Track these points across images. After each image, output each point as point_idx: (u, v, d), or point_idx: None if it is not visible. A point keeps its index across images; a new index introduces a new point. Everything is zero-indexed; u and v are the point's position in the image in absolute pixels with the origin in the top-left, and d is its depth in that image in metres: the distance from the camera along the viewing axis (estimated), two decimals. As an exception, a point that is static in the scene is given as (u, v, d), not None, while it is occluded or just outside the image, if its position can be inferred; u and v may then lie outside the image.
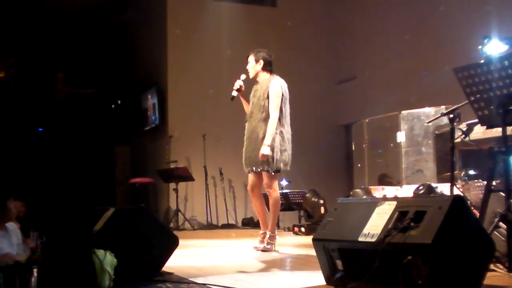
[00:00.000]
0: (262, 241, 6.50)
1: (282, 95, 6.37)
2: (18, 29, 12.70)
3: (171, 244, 4.72)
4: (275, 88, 6.35)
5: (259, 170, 6.38)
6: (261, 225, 6.70)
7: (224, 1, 12.74)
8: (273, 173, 6.33)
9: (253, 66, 6.58)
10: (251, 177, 6.55)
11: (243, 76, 6.59)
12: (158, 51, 12.98)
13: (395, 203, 3.46)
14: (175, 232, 5.12)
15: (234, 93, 6.57)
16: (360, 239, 3.43)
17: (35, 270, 3.46)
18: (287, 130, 6.41)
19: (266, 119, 6.34)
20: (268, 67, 6.56)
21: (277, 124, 6.30)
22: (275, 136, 6.26)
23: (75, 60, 13.26)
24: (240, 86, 6.58)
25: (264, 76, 6.54)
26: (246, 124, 6.58)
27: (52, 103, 12.73)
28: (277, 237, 6.53)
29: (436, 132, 8.49)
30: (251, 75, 6.62)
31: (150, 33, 13.65)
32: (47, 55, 13.00)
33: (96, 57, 13.67)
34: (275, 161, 6.26)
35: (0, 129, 11.95)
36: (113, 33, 14.16)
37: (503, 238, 4.07)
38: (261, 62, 6.53)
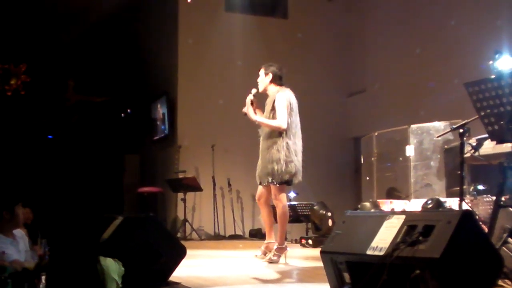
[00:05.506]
0: (264, 252, 6.51)
1: (288, 106, 6.38)
2: (30, 36, 12.77)
3: (179, 254, 4.72)
4: (279, 100, 6.38)
5: (266, 183, 6.40)
6: (266, 234, 6.72)
7: (236, 13, 12.78)
8: (278, 185, 6.33)
9: (262, 79, 6.64)
10: (260, 188, 6.58)
11: (253, 91, 6.59)
12: (169, 61, 13.02)
13: (403, 217, 3.45)
14: (182, 242, 5.12)
15: (246, 109, 6.57)
16: (369, 252, 3.42)
17: (43, 277, 3.47)
18: (294, 142, 6.39)
19: (272, 131, 6.37)
20: (278, 81, 6.58)
21: (283, 135, 6.32)
22: (280, 147, 6.28)
23: (86, 68, 13.31)
24: (251, 101, 6.59)
25: (272, 90, 6.57)
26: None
27: (62, 110, 12.78)
28: (288, 248, 6.53)
29: (446, 146, 8.48)
30: (260, 89, 6.66)
31: (161, 43, 13.70)
32: (59, 62, 13.06)
33: (107, 66, 13.72)
34: (279, 172, 6.27)
35: (10, 136, 12.00)
36: (125, 41, 14.22)
37: (511, 254, 4.05)
38: (270, 75, 6.57)
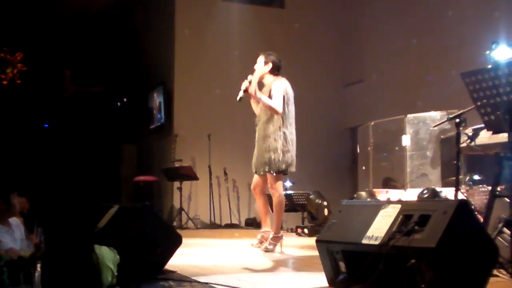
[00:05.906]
0: (260, 240, 6.51)
1: (285, 95, 6.37)
2: (28, 26, 12.71)
3: (175, 242, 4.71)
4: (276, 88, 6.37)
5: (261, 172, 6.40)
6: (262, 223, 6.72)
7: (233, 2, 12.73)
8: (274, 174, 6.33)
9: (261, 67, 6.59)
10: (255, 177, 6.58)
11: (250, 77, 6.57)
12: (166, 51, 12.99)
13: (399, 206, 3.46)
14: (178, 231, 5.11)
15: (241, 94, 6.55)
16: (364, 241, 3.42)
17: (38, 265, 3.46)
18: (290, 131, 6.40)
19: (270, 120, 6.36)
20: (276, 71, 6.57)
21: (280, 125, 6.31)
22: (277, 136, 6.28)
23: (83, 58, 13.27)
24: (247, 87, 6.57)
25: (269, 79, 6.55)
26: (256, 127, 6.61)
27: (59, 101, 12.74)
28: (284, 237, 6.54)
29: (442, 136, 8.48)
30: (256, 75, 6.61)
31: (158, 33, 13.66)
32: (56, 52, 13.01)
33: (104, 55, 13.68)
34: (276, 162, 6.26)
35: (6, 125, 11.97)
36: (121, 31, 14.17)
37: (507, 244, 4.07)
38: (270, 65, 6.55)
